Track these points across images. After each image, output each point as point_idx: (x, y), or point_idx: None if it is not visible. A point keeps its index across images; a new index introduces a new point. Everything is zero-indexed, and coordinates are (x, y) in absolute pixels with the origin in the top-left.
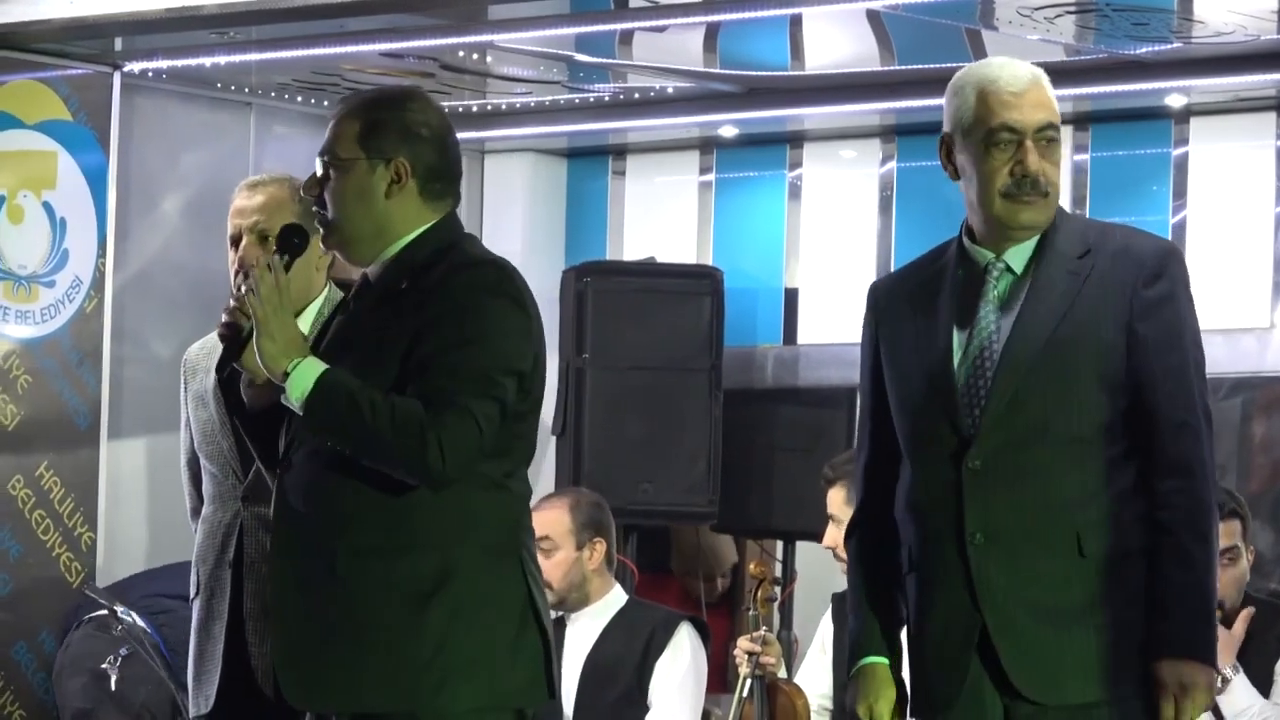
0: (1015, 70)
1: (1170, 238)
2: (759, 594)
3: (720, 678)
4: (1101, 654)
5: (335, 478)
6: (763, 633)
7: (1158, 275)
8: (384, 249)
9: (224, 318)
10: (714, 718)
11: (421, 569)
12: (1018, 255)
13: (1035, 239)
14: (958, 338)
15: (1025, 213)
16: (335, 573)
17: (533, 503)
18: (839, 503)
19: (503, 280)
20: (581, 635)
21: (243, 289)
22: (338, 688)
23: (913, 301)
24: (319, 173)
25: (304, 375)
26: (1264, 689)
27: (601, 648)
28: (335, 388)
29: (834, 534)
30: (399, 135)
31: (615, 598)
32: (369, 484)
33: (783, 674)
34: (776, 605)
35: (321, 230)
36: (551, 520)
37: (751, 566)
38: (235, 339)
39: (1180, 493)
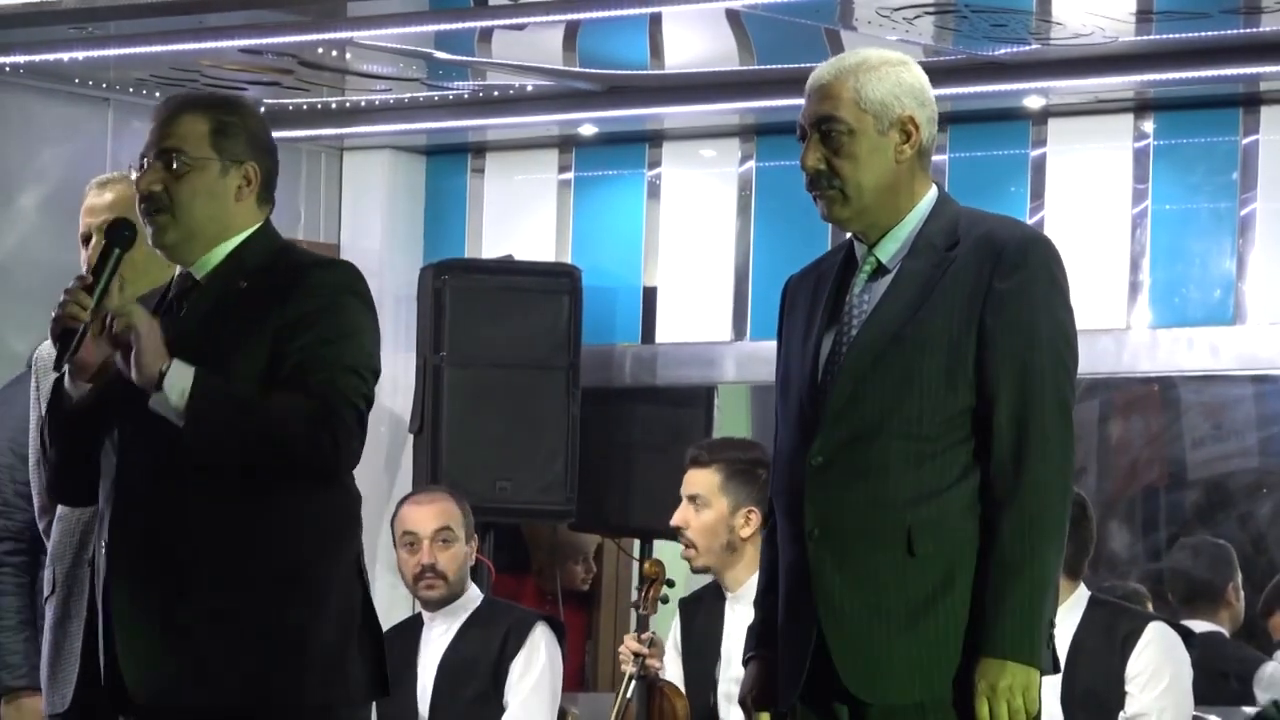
0: (823, 65)
1: None
2: (650, 594)
3: (577, 677)
4: (929, 655)
5: (180, 479)
6: (651, 634)
7: (1015, 266)
8: (211, 249)
9: (56, 312)
10: (570, 717)
11: (274, 565)
12: (887, 248)
13: (909, 231)
14: (829, 332)
15: (821, 207)
16: (184, 570)
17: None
18: (710, 485)
19: (358, 280)
20: (439, 635)
21: (72, 284)
22: (195, 684)
23: (810, 293)
24: (159, 166)
25: (180, 375)
26: (1110, 690)
27: (457, 647)
28: (215, 386)
29: (685, 513)
30: (248, 141)
31: (472, 597)
32: (213, 483)
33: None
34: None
35: (151, 224)
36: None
37: (646, 566)
38: (70, 335)
39: (1014, 490)
